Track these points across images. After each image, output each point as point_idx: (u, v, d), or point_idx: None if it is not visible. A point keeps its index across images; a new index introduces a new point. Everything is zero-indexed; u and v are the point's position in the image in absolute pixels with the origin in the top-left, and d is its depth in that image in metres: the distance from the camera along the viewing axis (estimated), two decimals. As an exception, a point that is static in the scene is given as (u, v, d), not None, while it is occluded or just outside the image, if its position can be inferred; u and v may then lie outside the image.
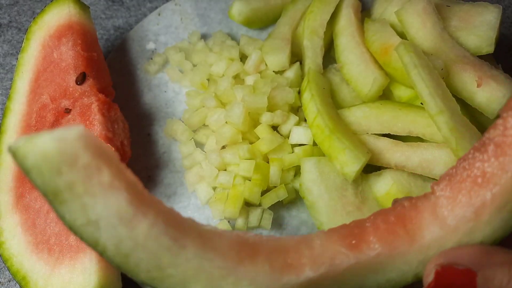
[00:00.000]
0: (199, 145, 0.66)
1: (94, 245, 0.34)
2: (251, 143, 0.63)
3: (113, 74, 0.71)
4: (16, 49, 0.81)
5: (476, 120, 0.59)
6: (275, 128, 0.65)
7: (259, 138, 0.63)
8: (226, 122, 0.62)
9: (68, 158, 0.31)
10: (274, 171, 0.61)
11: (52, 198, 0.32)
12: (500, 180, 0.36)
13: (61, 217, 0.33)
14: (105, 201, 0.32)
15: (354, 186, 0.58)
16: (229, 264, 0.37)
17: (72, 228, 0.33)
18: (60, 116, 0.61)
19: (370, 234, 0.40)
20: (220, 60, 0.70)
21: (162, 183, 0.64)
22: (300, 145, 0.64)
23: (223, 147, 0.63)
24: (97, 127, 0.58)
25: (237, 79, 0.69)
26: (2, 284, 0.62)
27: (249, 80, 0.67)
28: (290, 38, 0.70)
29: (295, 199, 0.63)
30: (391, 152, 0.58)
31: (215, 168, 0.61)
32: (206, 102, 0.66)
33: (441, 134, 0.53)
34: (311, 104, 0.61)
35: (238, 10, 0.73)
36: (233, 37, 0.77)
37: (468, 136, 0.52)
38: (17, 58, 0.77)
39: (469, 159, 0.39)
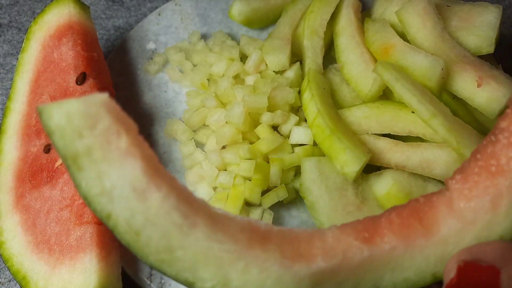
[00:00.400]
0: (200, 145, 0.66)
1: (106, 218, 0.34)
2: (251, 143, 0.63)
3: (113, 74, 0.71)
4: (16, 49, 0.81)
5: (476, 120, 0.60)
6: (275, 128, 0.65)
7: (259, 138, 0.63)
8: (227, 122, 0.62)
9: (90, 120, 0.32)
10: (274, 171, 0.61)
11: (71, 163, 0.33)
12: None
13: (77, 186, 0.34)
14: (121, 169, 0.33)
15: (355, 186, 0.58)
16: (239, 248, 0.36)
17: (87, 199, 0.34)
18: (60, 116, 0.61)
19: (384, 228, 0.39)
20: (220, 60, 0.70)
21: (162, 183, 0.64)
22: (300, 145, 0.64)
23: (224, 147, 0.63)
24: (97, 127, 0.58)
25: (237, 79, 0.69)
26: (2, 284, 0.62)
27: (249, 80, 0.68)
28: (290, 38, 0.70)
29: (295, 199, 0.63)
30: (392, 152, 0.58)
31: (216, 168, 0.61)
32: (206, 102, 0.66)
33: (439, 136, 0.53)
34: (311, 104, 0.61)
35: (238, 10, 0.73)
36: (233, 37, 0.77)
37: (466, 133, 0.52)
38: (17, 58, 0.78)
39: (481, 150, 0.38)
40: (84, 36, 0.66)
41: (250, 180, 0.61)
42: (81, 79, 0.61)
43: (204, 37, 0.77)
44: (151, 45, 0.76)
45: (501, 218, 0.36)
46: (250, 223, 0.38)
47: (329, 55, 0.73)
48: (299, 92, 0.67)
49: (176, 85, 0.72)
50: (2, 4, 0.85)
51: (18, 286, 0.61)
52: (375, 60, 0.64)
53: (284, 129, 0.65)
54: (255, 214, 0.60)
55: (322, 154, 0.61)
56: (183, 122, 0.67)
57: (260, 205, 0.61)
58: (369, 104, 0.62)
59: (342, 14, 0.71)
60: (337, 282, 0.38)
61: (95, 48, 0.67)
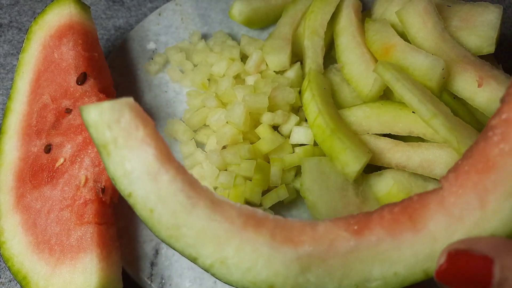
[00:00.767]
0: (200, 145, 0.66)
1: (128, 196, 0.41)
2: (251, 143, 0.63)
3: (113, 74, 0.71)
4: (16, 49, 0.81)
5: (477, 120, 0.59)
6: (275, 128, 0.65)
7: (260, 138, 0.63)
8: (227, 122, 0.62)
9: (116, 116, 0.40)
10: (274, 171, 0.61)
11: (102, 150, 0.41)
12: (504, 165, 0.35)
13: (107, 169, 0.41)
14: (138, 154, 0.40)
15: (355, 186, 0.58)
16: (235, 228, 0.40)
17: (113, 179, 0.41)
18: (61, 116, 0.61)
19: (374, 222, 0.40)
20: (221, 60, 0.70)
21: (162, 183, 0.64)
22: (300, 145, 0.64)
23: (224, 147, 0.63)
24: (98, 127, 0.58)
25: (238, 79, 0.69)
26: (3, 284, 0.62)
27: (250, 80, 0.68)
28: (291, 38, 0.70)
29: (296, 199, 0.63)
30: (392, 152, 0.58)
31: (216, 168, 0.61)
32: (207, 102, 0.66)
33: (440, 136, 0.53)
34: (312, 104, 0.61)
35: (238, 10, 0.73)
36: (233, 37, 0.77)
37: (467, 133, 0.52)
38: (17, 58, 0.78)
39: (473, 148, 0.38)
40: (85, 36, 0.66)
41: (250, 180, 0.61)
42: (81, 79, 0.61)
43: (205, 37, 0.77)
44: (151, 45, 0.76)
45: (490, 215, 0.36)
46: (249, 210, 0.42)
47: (330, 55, 0.73)
48: (299, 92, 0.67)
49: (177, 85, 0.72)
50: (3, 4, 0.85)
51: (19, 286, 0.61)
52: (376, 60, 0.64)
53: (285, 129, 0.65)
54: (255, 214, 0.60)
55: (322, 154, 0.61)
56: (183, 122, 0.67)
57: (260, 205, 0.61)
58: (370, 104, 0.62)
59: (343, 14, 0.71)
60: (326, 270, 0.39)
61: (95, 48, 0.67)
